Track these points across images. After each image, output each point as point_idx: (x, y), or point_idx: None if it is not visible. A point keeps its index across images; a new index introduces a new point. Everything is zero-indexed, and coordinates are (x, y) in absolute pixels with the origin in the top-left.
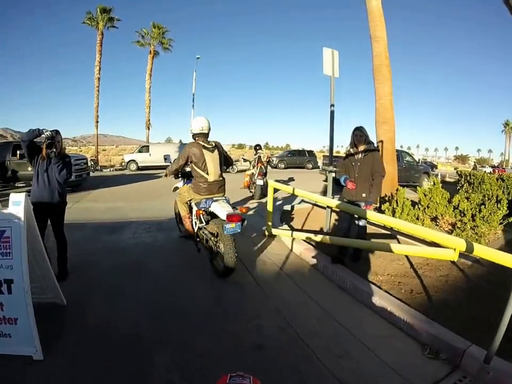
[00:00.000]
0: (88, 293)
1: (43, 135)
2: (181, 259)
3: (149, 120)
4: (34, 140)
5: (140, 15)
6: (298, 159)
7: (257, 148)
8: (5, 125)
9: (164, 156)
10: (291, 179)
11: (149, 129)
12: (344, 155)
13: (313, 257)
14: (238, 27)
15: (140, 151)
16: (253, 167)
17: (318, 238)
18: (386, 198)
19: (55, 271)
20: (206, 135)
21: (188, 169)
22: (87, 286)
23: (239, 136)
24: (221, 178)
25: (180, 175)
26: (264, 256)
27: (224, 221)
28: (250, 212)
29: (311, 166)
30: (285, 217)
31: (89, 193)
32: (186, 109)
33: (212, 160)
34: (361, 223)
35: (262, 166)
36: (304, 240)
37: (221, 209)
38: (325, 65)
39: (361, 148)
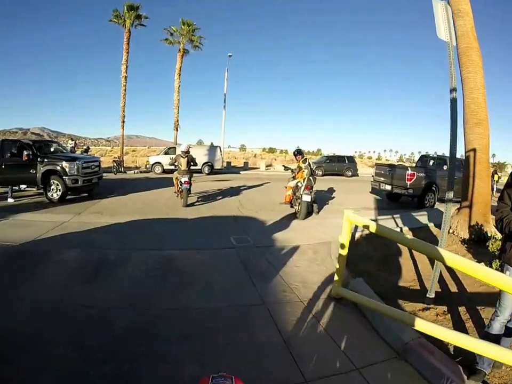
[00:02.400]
0: None
1: None
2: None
3: (177, 121)
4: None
5: (170, 14)
6: (337, 165)
7: (299, 153)
8: (42, 124)
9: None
10: (331, 190)
11: (177, 130)
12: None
13: (427, 360)
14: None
15: (166, 153)
16: (294, 178)
17: (439, 332)
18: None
19: None
20: (185, 152)
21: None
22: None
23: (269, 139)
24: (188, 169)
25: (173, 165)
26: (335, 350)
27: (183, 183)
28: (302, 249)
29: (350, 173)
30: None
31: (98, 202)
32: (217, 110)
33: (184, 161)
34: None
35: (311, 177)
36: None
37: (183, 179)
38: (438, 24)
39: None
